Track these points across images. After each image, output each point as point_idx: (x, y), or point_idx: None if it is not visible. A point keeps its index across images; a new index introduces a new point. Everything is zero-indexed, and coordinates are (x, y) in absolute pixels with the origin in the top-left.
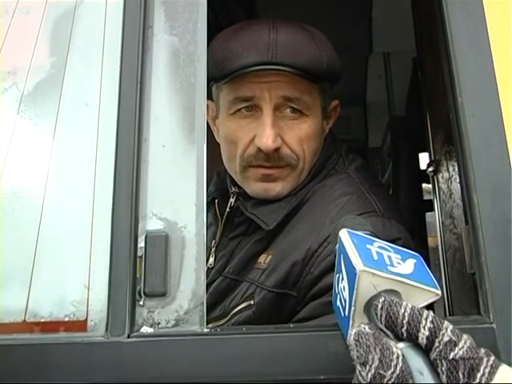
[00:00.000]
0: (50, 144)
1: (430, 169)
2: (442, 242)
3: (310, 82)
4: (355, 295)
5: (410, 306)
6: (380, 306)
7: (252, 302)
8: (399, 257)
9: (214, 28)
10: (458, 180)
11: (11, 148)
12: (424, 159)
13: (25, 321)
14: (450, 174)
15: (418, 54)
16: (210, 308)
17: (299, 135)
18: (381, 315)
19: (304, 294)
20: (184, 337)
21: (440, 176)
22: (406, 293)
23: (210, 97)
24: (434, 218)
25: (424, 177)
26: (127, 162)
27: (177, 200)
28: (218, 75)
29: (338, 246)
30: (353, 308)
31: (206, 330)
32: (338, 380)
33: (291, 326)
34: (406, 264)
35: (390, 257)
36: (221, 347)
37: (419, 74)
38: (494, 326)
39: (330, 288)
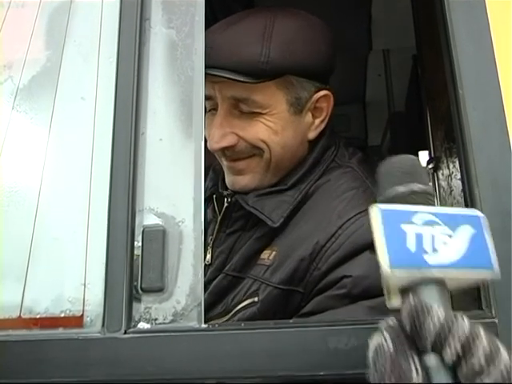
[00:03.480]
0: (46, 138)
1: (430, 166)
2: None
3: (261, 80)
4: (386, 287)
5: (441, 315)
6: (405, 313)
7: (256, 298)
8: (449, 231)
9: (211, 23)
10: (458, 177)
11: (7, 142)
12: (423, 157)
13: (20, 316)
14: (450, 171)
15: (417, 51)
16: (211, 306)
17: (255, 132)
18: (405, 324)
19: (310, 290)
20: (181, 333)
21: (440, 173)
22: (451, 282)
23: None
24: None
25: None
26: (124, 156)
27: (174, 194)
28: None
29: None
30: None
31: (203, 325)
32: (337, 376)
33: (291, 321)
34: (455, 241)
35: (433, 236)
36: (219, 343)
37: (419, 71)
38: (496, 320)
39: (336, 282)
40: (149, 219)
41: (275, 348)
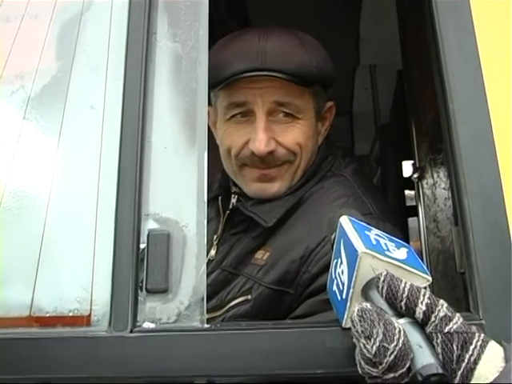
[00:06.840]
0: (56, 145)
1: (415, 175)
2: (425, 245)
3: (300, 85)
4: (355, 277)
5: (409, 283)
6: (382, 278)
7: (249, 296)
8: (393, 245)
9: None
10: (442, 186)
11: (18, 149)
12: (407, 167)
13: (30, 315)
14: (434, 180)
15: (404, 67)
16: (208, 298)
17: (293, 136)
18: (382, 287)
19: (301, 292)
20: (185, 332)
21: (424, 182)
22: (401, 277)
23: (210, 103)
24: (417, 222)
25: (407, 183)
26: (131, 163)
27: (178, 200)
28: (213, 82)
29: (337, 231)
30: (351, 290)
31: (206, 325)
32: (334, 374)
33: (290, 322)
34: (400, 251)
35: (386, 244)
36: (220, 342)
37: (405, 85)
38: (484, 322)
39: (326, 286)
40: (154, 224)
41: (274, 347)
